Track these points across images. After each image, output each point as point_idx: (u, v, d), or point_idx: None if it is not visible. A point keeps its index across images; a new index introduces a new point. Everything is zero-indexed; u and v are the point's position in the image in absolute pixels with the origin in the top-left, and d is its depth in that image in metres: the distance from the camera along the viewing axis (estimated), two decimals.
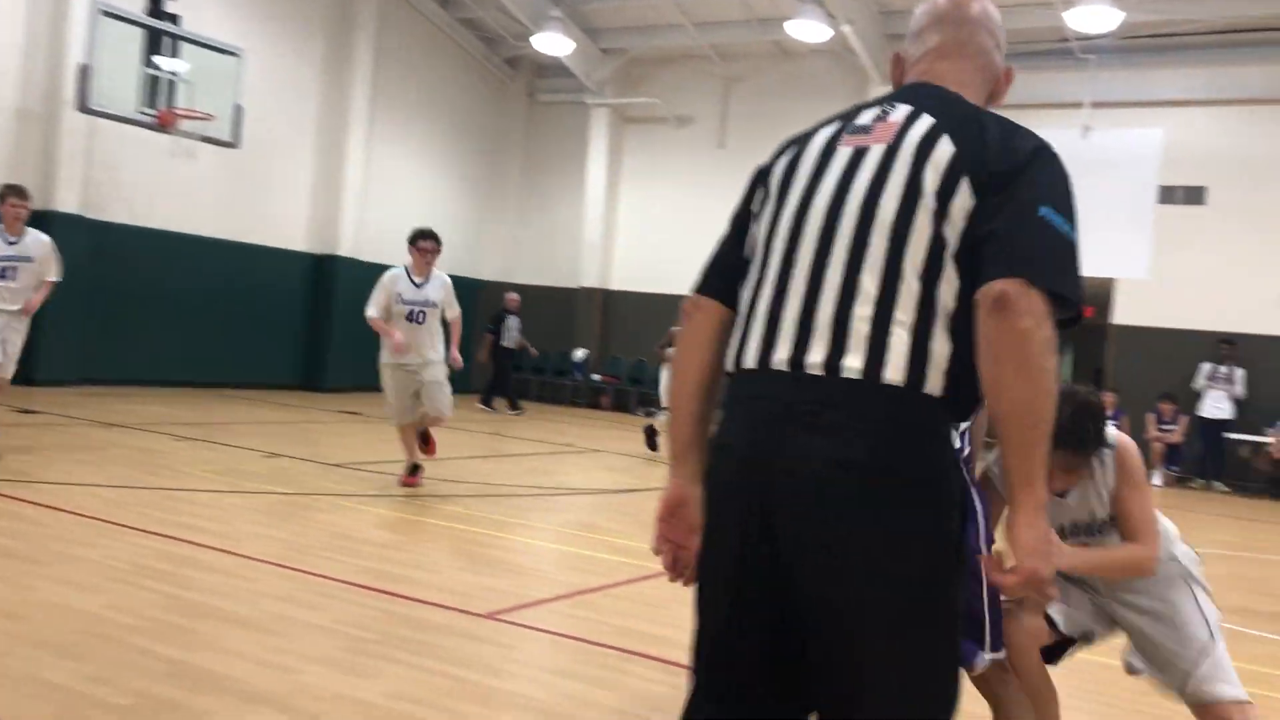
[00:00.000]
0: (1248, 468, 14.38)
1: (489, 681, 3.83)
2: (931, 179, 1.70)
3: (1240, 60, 15.14)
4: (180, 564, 5.08)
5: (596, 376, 19.34)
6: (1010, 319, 1.58)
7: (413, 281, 7.83)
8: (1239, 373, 14.59)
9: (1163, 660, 3.04)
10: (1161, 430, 14.72)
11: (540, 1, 17.76)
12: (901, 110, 1.83)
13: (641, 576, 5.71)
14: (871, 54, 16.18)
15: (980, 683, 3.10)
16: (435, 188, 19.10)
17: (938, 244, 1.68)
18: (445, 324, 7.91)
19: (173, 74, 12.31)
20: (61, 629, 3.93)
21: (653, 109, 18.97)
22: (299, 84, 16.38)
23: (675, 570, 1.96)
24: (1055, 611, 3.14)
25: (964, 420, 1.76)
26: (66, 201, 13.16)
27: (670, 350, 9.67)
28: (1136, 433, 14.90)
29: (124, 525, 5.75)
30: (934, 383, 1.65)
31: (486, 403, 16.85)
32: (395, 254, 18.03)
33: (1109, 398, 15.26)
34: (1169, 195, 15.81)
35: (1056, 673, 3.23)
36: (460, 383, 21.68)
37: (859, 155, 1.81)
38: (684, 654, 4.23)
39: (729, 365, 1.87)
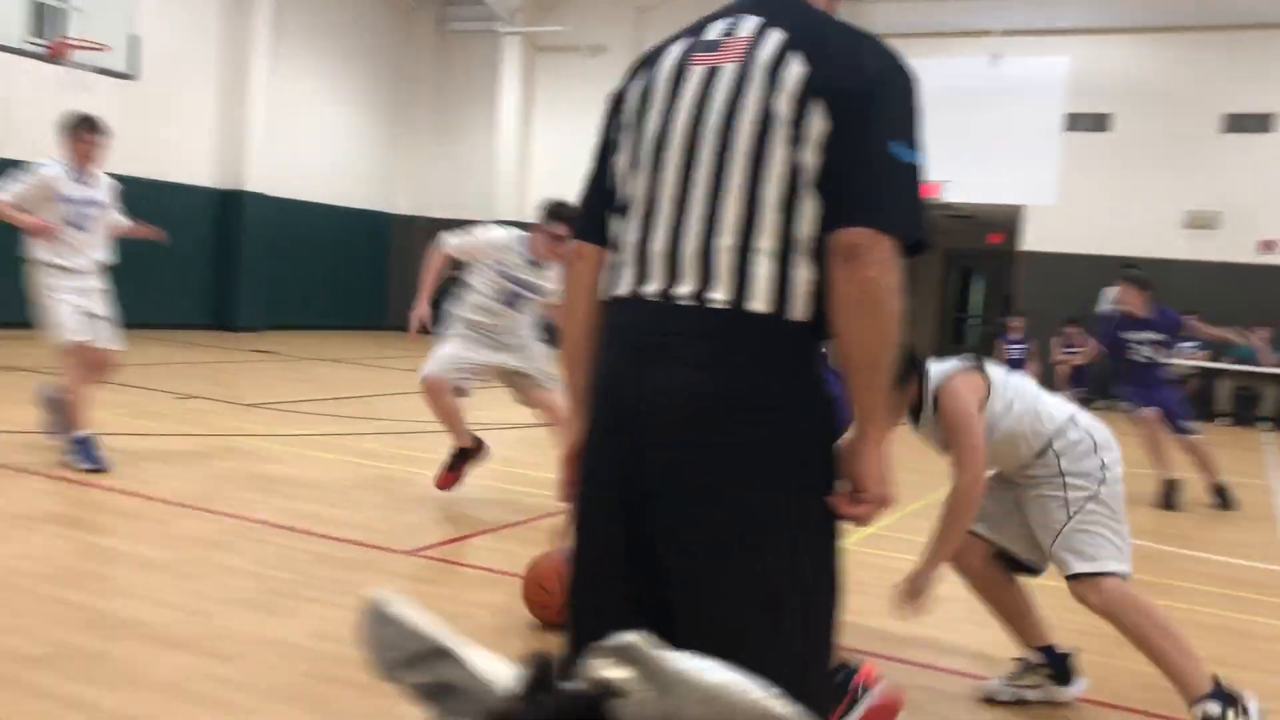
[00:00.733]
0: None
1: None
2: (785, 103, 1.68)
3: None
4: (91, 509, 4.99)
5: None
6: (859, 268, 1.62)
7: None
8: None
9: (1038, 542, 3.35)
10: (1066, 353, 15.16)
11: None
12: (750, 23, 1.77)
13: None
14: None
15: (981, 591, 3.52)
16: (344, 120, 18.68)
17: (794, 172, 1.68)
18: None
19: (62, 1, 11.78)
20: None
21: (565, 37, 18.69)
22: (198, 13, 15.79)
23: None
24: (979, 526, 3.40)
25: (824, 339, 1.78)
26: None
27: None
28: (1044, 356, 15.35)
29: (29, 471, 5.61)
30: (798, 309, 1.68)
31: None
32: (306, 189, 17.69)
33: (1017, 322, 15.65)
34: (1075, 123, 16.11)
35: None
36: (383, 317, 21.18)
37: (711, 76, 1.77)
38: None
39: (602, 295, 1.89)
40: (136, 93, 13.93)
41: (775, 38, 1.73)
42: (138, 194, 14.94)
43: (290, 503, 5.40)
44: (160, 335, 14.50)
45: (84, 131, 5.95)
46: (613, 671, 0.55)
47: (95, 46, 11.83)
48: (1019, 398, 3.35)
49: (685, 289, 1.71)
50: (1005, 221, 17.44)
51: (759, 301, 1.67)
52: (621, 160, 1.88)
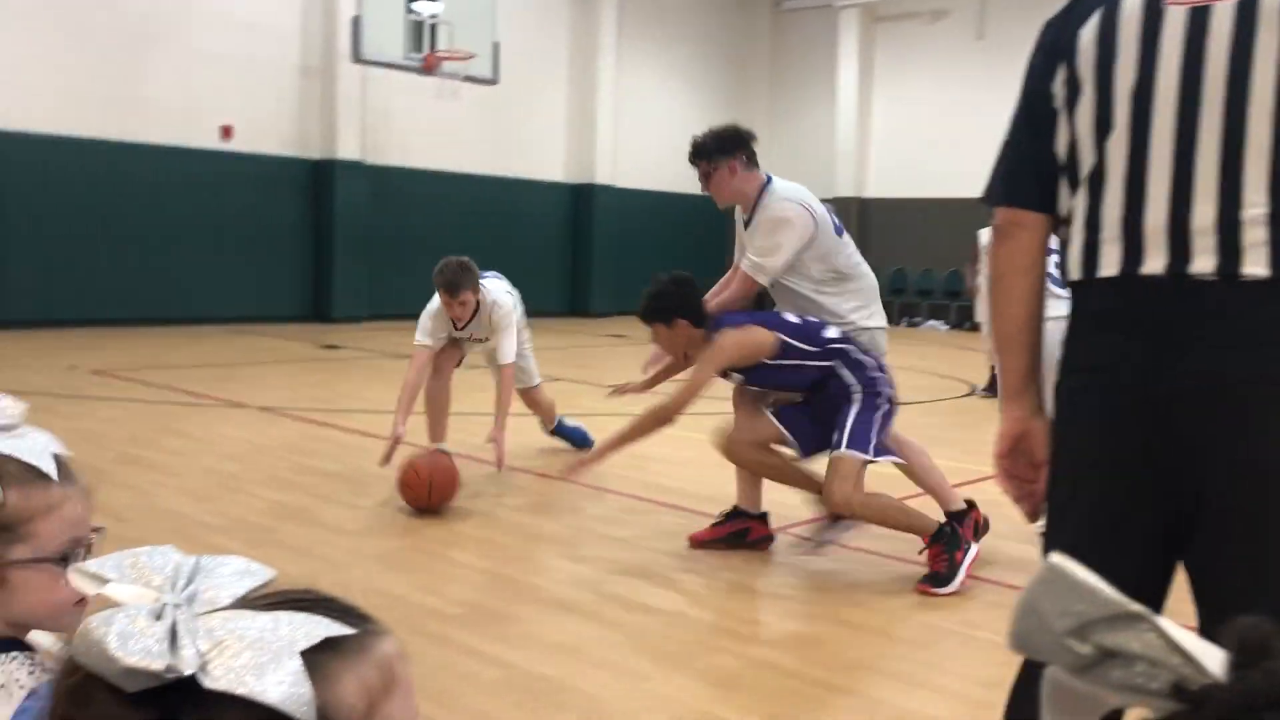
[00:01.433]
0: None
1: (790, 595, 3.89)
2: None
3: None
4: (486, 483, 5.42)
5: None
6: None
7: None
8: None
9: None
10: None
11: None
12: None
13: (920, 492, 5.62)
14: None
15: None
16: (684, 108, 19.15)
17: None
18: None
19: (433, 17, 12.85)
20: (390, 544, 4.29)
21: (904, 5, 18.18)
22: (549, 16, 16.72)
23: (1029, 504, 1.83)
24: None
25: None
26: (348, 149, 14.05)
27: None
28: None
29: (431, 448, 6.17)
30: None
31: None
32: (651, 179, 18.32)
33: None
34: None
35: None
36: None
37: (1200, 18, 1.53)
38: (984, 568, 4.15)
39: (1073, 274, 1.69)
40: (498, 96, 14.97)
41: None
42: (499, 191, 16.14)
43: (661, 479, 5.62)
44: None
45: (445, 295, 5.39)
46: None
47: (463, 56, 12.80)
48: None
49: (1205, 264, 1.54)
50: None
51: None
52: (1081, 119, 1.65)
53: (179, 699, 0.64)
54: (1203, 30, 1.54)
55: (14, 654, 1.20)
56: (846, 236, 4.35)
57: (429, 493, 4.67)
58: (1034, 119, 1.73)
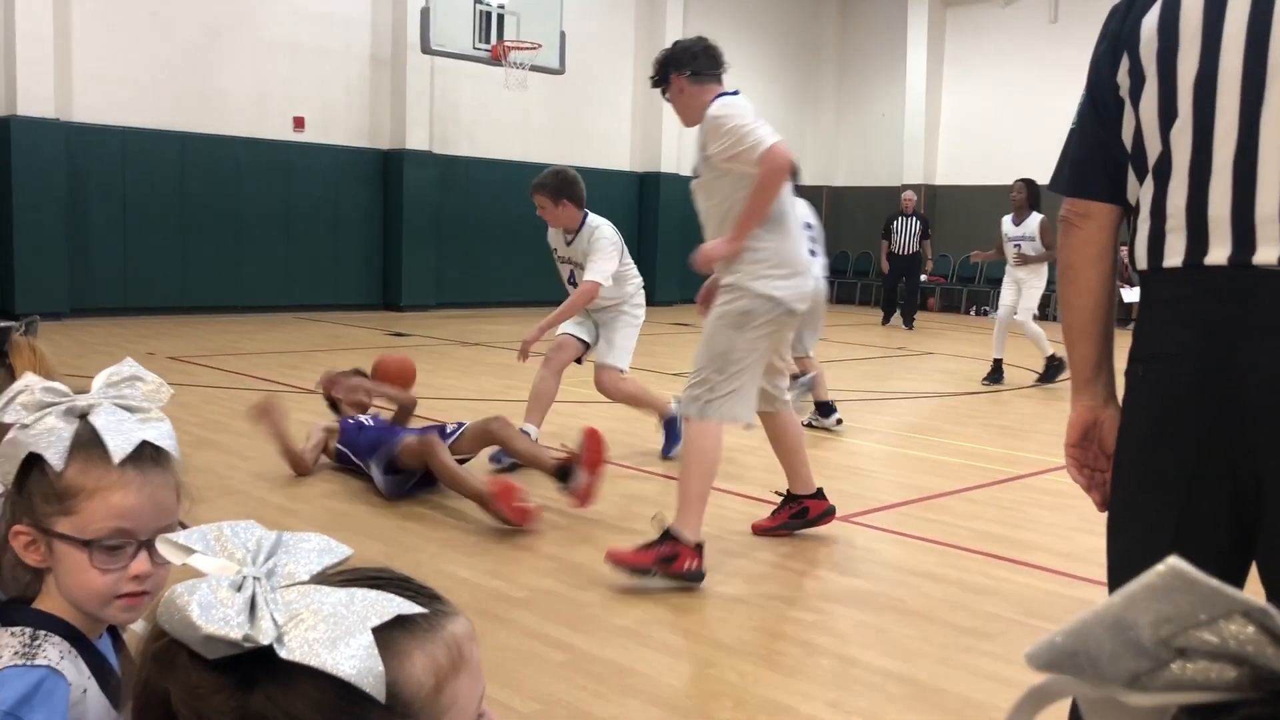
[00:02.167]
0: None
1: (856, 583, 3.89)
2: None
3: None
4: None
5: (924, 276, 18.81)
6: None
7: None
8: None
9: None
10: None
11: None
12: None
13: (993, 480, 5.56)
14: None
15: None
16: (752, 95, 18.98)
17: None
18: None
19: (500, 7, 12.93)
20: (459, 528, 4.36)
21: None
22: (617, 5, 16.73)
23: (1100, 493, 1.81)
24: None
25: None
26: (417, 139, 14.21)
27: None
28: None
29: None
30: None
31: (906, 323, 15.15)
32: None
33: None
34: None
35: None
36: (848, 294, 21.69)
37: (1264, 6, 1.51)
38: (1051, 558, 4.11)
39: (1140, 264, 1.68)
40: (564, 86, 15.02)
41: None
42: None
43: (724, 466, 5.61)
44: None
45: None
46: None
47: (530, 46, 12.87)
48: None
49: (1271, 254, 1.51)
50: None
51: None
52: (1146, 108, 1.63)
53: (256, 667, 0.67)
54: (1267, 19, 1.51)
55: (28, 629, 1.21)
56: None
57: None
58: (1100, 108, 1.71)
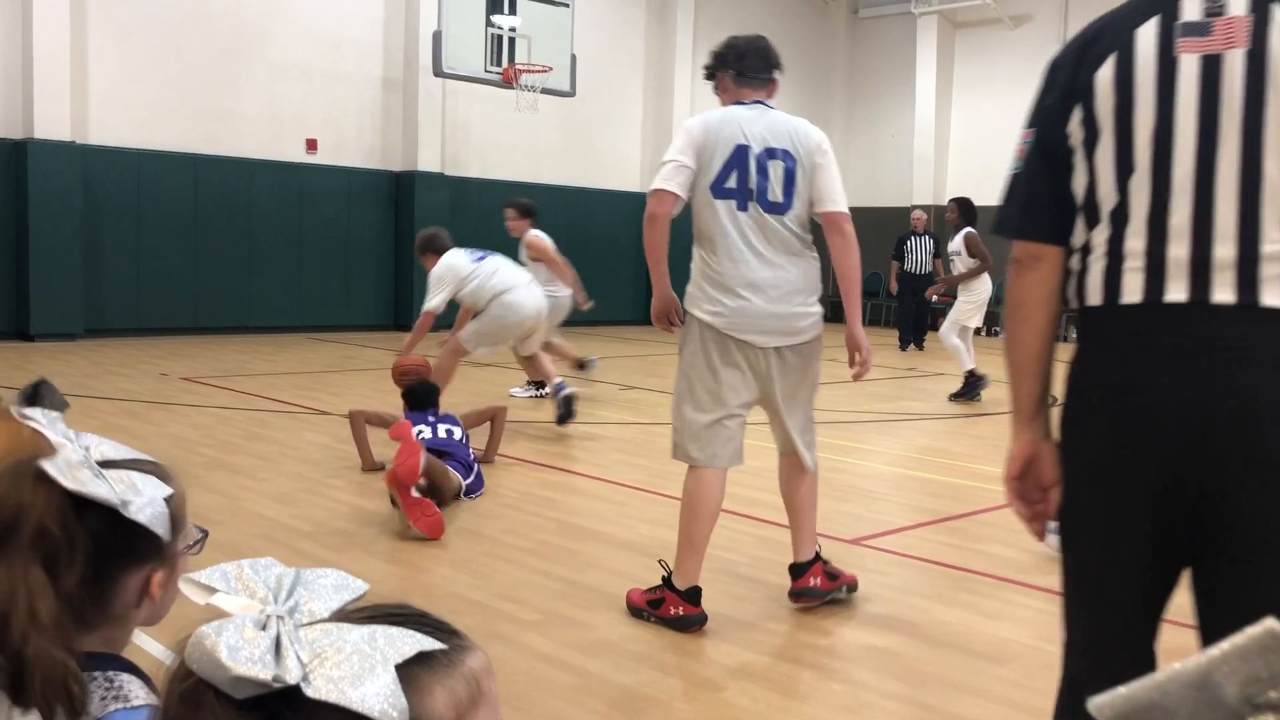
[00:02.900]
0: None
1: (867, 607, 3.88)
2: None
3: None
4: (560, 491, 5.48)
5: (934, 297, 18.79)
6: None
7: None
8: None
9: None
10: None
11: None
12: (1238, 1, 1.62)
13: (1006, 503, 5.54)
14: None
15: None
16: None
17: None
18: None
19: (511, 31, 13.02)
20: (469, 550, 4.37)
21: (984, 10, 17.96)
22: (625, 27, 16.82)
23: (1039, 524, 1.88)
24: None
25: None
26: (429, 161, 14.29)
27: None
28: None
29: (509, 457, 6.26)
30: None
31: (916, 343, 15.21)
32: None
33: None
34: None
35: None
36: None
37: (1213, 65, 1.62)
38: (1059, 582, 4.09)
39: (1092, 299, 1.75)
40: (575, 108, 15.11)
41: None
42: (576, 201, 16.28)
43: (730, 488, 5.60)
44: (599, 331, 15.63)
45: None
46: None
47: (541, 69, 12.95)
48: None
49: (1226, 295, 1.63)
50: None
51: None
52: (1102, 159, 1.72)
53: (282, 706, 0.68)
54: (1216, 78, 1.63)
55: (98, 672, 1.20)
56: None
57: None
58: (1049, 157, 1.78)
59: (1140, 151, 1.68)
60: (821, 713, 2.95)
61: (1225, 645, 0.50)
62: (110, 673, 1.22)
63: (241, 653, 0.68)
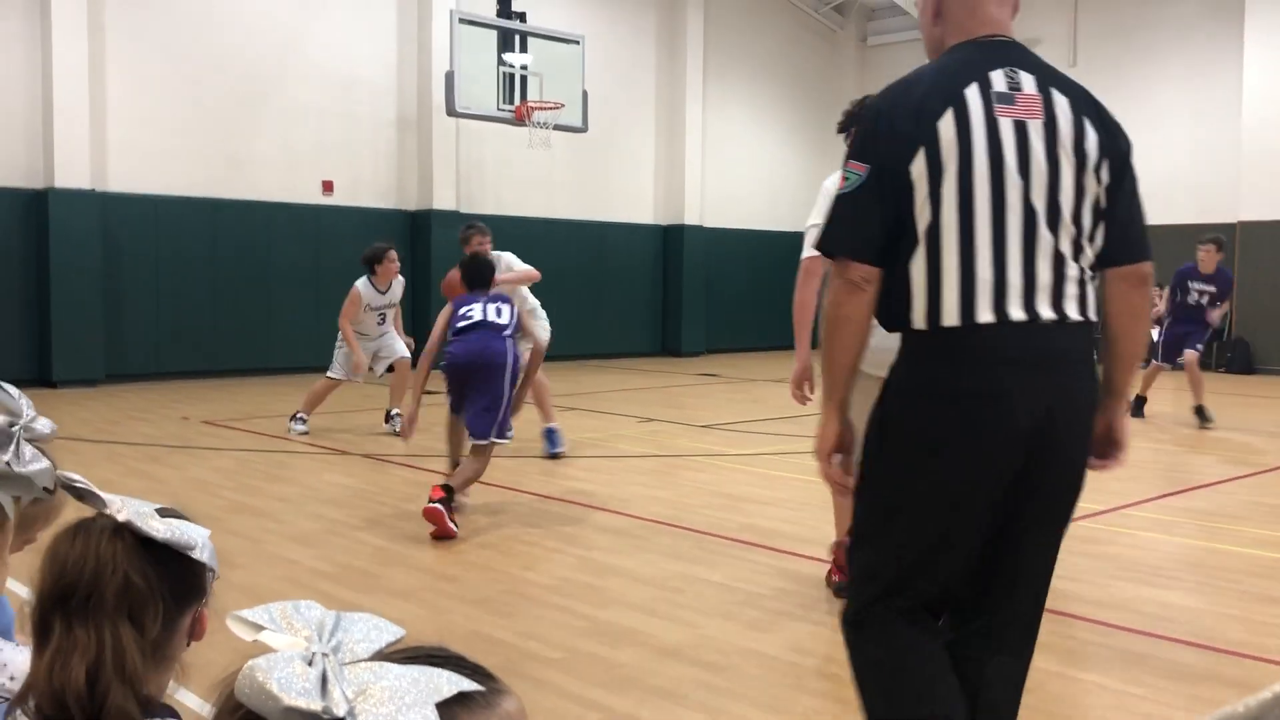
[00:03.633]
0: None
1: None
2: (1091, 161, 2.10)
3: None
4: (579, 525, 5.48)
5: None
6: (1145, 290, 2.20)
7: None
8: None
9: None
10: None
11: None
12: (1028, 80, 2.12)
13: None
14: None
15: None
16: (771, 147, 19.19)
17: (1096, 214, 2.14)
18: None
19: (523, 69, 13.15)
20: (490, 589, 4.37)
21: None
22: (636, 62, 16.95)
23: (844, 490, 2.31)
24: None
25: None
26: (444, 199, 14.40)
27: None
28: None
29: (528, 492, 6.27)
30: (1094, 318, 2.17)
31: None
32: (739, 217, 18.36)
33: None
34: None
35: None
36: None
37: (1023, 130, 2.08)
38: (1087, 608, 4.05)
39: (917, 323, 2.10)
40: (588, 143, 15.20)
41: (1061, 100, 2.11)
42: (591, 235, 16.35)
43: (752, 520, 5.61)
44: (616, 364, 15.66)
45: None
46: None
47: (553, 106, 13.05)
48: None
49: (1048, 313, 2.07)
50: None
51: (1092, 314, 2.14)
52: (946, 196, 2.06)
53: None
54: (1026, 139, 2.08)
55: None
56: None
57: None
58: (886, 190, 2.08)
59: (979, 188, 2.06)
60: None
61: (1267, 694, 0.51)
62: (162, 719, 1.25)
63: (293, 686, 0.71)
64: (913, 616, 2.20)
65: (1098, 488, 4.59)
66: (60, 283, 11.48)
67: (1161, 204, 15.97)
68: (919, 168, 2.05)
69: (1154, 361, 9.95)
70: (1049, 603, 4.15)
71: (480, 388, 5.50)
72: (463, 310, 5.69)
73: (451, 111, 12.70)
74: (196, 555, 1.26)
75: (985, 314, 2.05)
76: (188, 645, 1.30)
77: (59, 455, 1.66)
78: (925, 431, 2.13)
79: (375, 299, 8.82)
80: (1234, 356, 15.07)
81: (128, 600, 1.19)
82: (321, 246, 13.52)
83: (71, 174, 11.60)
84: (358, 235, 13.90)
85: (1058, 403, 2.07)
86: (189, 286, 12.53)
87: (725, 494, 6.30)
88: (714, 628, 3.90)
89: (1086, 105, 2.14)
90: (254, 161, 13.02)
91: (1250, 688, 3.30)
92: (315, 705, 0.70)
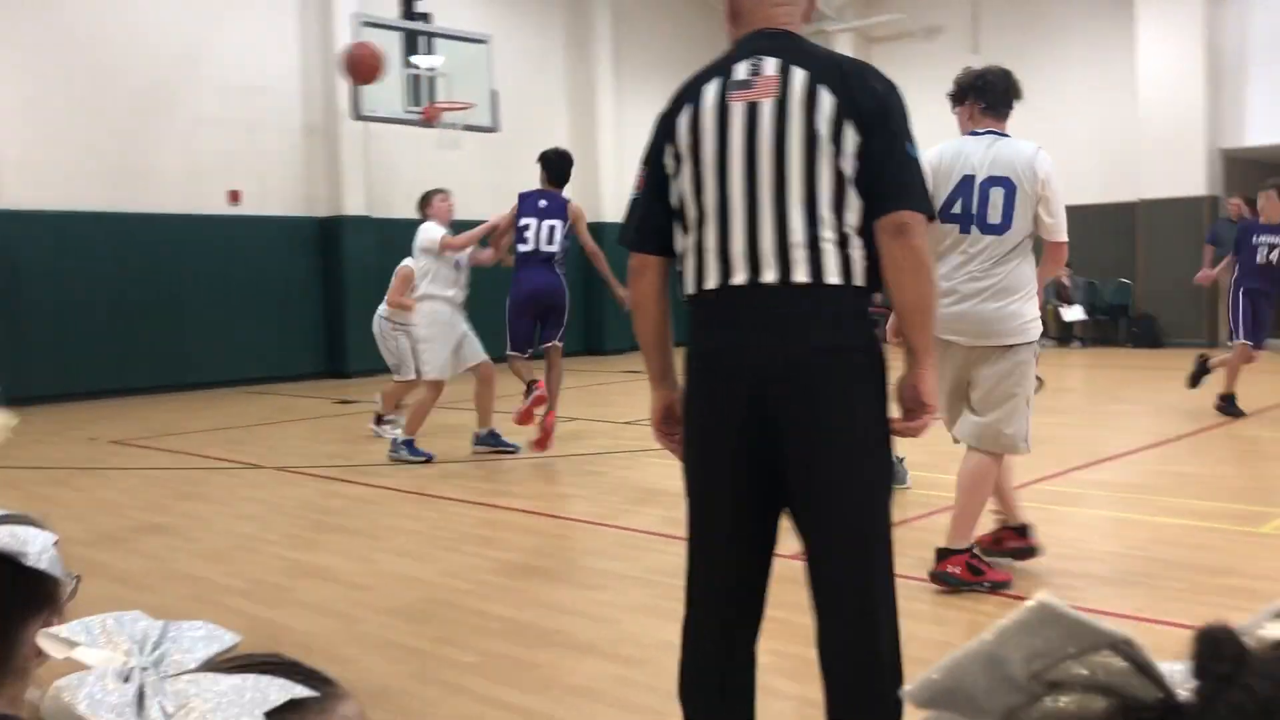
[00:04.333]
0: None
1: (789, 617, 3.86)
2: (824, 127, 2.16)
3: None
4: (499, 529, 5.42)
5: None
6: (909, 239, 2.17)
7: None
8: None
9: None
10: None
11: None
12: (771, 63, 2.23)
13: (932, 511, 5.59)
14: None
15: None
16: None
17: (840, 178, 2.18)
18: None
19: (430, 70, 12.99)
20: (405, 596, 4.29)
21: (897, 25, 18.28)
22: (545, 60, 16.88)
23: (679, 450, 2.40)
24: None
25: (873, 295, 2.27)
26: (355, 205, 14.19)
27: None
28: None
29: (444, 497, 6.19)
30: (858, 278, 2.20)
31: None
32: None
33: None
34: None
35: None
36: None
37: (753, 110, 2.21)
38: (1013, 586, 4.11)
39: (689, 289, 2.30)
40: (499, 142, 15.09)
41: (799, 74, 2.20)
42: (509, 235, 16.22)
43: (671, 512, 5.60)
44: (539, 365, 15.54)
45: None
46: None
47: (462, 106, 12.92)
48: None
49: (770, 276, 2.18)
50: None
51: (832, 277, 2.18)
52: (685, 184, 2.28)
53: None
54: (754, 118, 2.21)
55: None
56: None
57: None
58: (656, 185, 2.35)
59: (707, 174, 2.24)
60: None
61: (1006, 622, 0.50)
62: None
63: (102, 705, 0.67)
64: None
65: (1019, 464, 4.67)
66: None
67: (1067, 186, 16.40)
68: (669, 161, 2.31)
69: (1237, 341, 8.49)
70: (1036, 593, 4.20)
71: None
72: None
73: (357, 116, 12.49)
74: (31, 563, 1.20)
75: (711, 281, 2.24)
76: (38, 660, 1.24)
77: None
78: (685, 386, 2.38)
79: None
80: (1140, 332, 15.47)
81: None
82: (231, 257, 13.24)
83: None
84: (267, 244, 13.66)
85: (773, 359, 2.17)
86: (94, 304, 12.17)
87: (644, 488, 6.29)
88: (633, 622, 3.88)
89: (828, 74, 2.20)
90: (157, 173, 12.69)
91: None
92: None
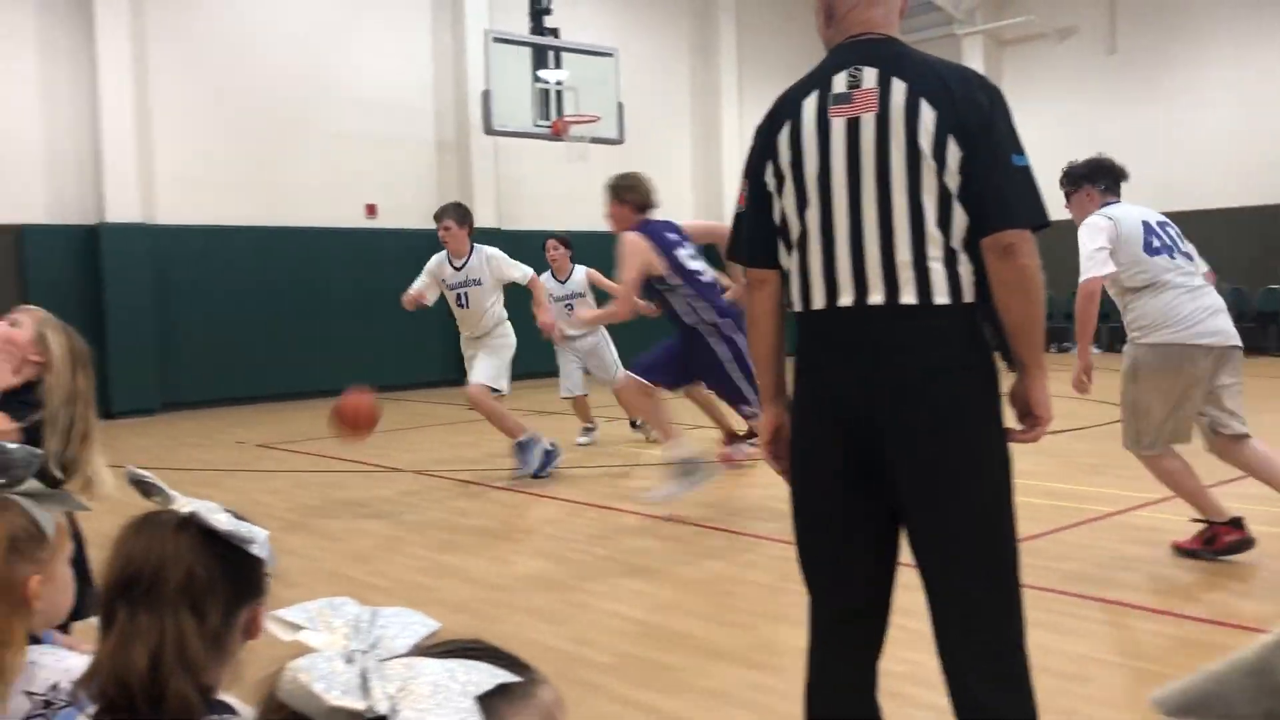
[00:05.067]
0: None
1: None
2: (926, 142, 2.11)
3: None
4: (625, 533, 5.50)
5: None
6: (1016, 259, 2.11)
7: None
8: None
9: None
10: None
11: None
12: (870, 74, 2.18)
13: (1080, 521, 5.46)
14: None
15: None
16: None
17: (945, 194, 2.12)
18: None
19: (558, 84, 13.24)
20: (544, 598, 4.40)
21: (1029, 26, 17.85)
22: (670, 70, 17.01)
23: (788, 475, 2.37)
24: None
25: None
26: (485, 217, 14.52)
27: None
28: None
29: (574, 501, 6.31)
30: (966, 294, 2.15)
31: None
32: None
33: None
34: None
35: None
36: None
37: (854, 126, 2.17)
38: (1144, 596, 4.02)
39: (796, 307, 2.28)
40: (625, 154, 15.25)
41: (900, 86, 2.15)
42: None
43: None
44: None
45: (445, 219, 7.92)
46: None
47: (589, 119, 13.13)
48: None
49: (878, 298, 2.15)
50: None
51: (941, 296, 2.13)
52: (788, 202, 2.26)
53: None
54: (857, 134, 2.17)
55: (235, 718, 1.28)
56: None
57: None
58: (758, 200, 2.33)
59: (810, 192, 2.22)
60: None
61: (1270, 637, 0.53)
62: (226, 716, 1.29)
63: (336, 685, 0.72)
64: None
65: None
66: (114, 316, 11.74)
67: (1209, 188, 15.78)
68: (770, 178, 2.29)
69: None
70: (1098, 591, 4.12)
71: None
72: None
73: (489, 130, 12.81)
74: (256, 551, 1.30)
75: (818, 301, 2.23)
76: (244, 642, 1.34)
77: (120, 481, 1.72)
78: (794, 406, 2.36)
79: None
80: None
81: (190, 591, 1.23)
82: (368, 268, 13.70)
83: (122, 209, 11.87)
84: (403, 256, 14.07)
85: (877, 383, 2.14)
86: (240, 314, 12.75)
87: (766, 497, 6.29)
88: (767, 629, 3.91)
89: (928, 85, 2.14)
90: (299, 188, 13.23)
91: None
92: (359, 704, 0.71)
